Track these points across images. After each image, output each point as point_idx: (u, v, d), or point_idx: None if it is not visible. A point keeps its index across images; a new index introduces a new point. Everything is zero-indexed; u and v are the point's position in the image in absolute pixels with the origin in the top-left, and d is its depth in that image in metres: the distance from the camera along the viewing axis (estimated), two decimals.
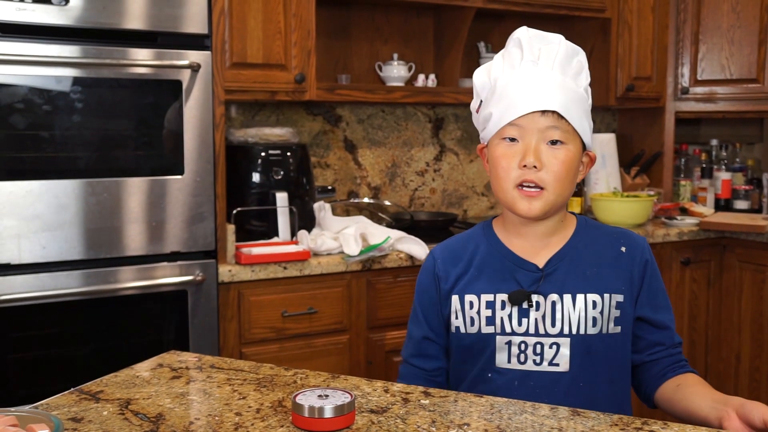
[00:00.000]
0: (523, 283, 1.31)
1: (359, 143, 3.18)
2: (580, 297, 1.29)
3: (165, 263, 2.27)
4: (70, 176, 2.15)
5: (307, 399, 1.06)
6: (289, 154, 2.63)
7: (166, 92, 2.26)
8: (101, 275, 2.19)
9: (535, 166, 1.25)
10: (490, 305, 1.32)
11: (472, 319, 1.34)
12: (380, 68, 3.09)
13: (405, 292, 2.58)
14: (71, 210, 2.15)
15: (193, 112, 2.30)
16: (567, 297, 1.29)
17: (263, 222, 2.57)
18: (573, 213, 1.42)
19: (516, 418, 1.09)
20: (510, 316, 1.30)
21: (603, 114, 3.76)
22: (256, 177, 2.58)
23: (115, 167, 2.22)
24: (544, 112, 1.26)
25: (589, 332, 1.29)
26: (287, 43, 2.56)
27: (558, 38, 1.31)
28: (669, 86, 3.41)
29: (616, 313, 1.30)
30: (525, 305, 1.30)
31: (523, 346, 1.30)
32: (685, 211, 3.35)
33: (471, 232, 1.44)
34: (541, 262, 1.33)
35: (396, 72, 3.05)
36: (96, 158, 2.20)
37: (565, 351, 1.29)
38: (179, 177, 2.29)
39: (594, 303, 1.29)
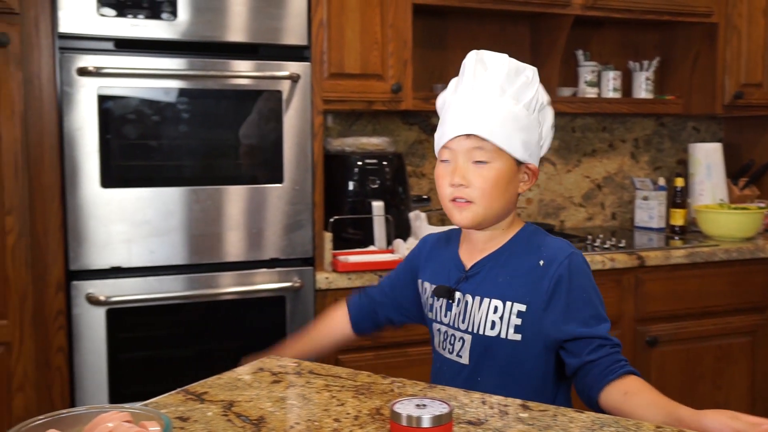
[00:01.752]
0: (451, 280, 1.46)
1: None
2: (486, 300, 1.40)
3: (264, 269, 2.33)
4: (177, 184, 2.24)
5: (405, 408, 1.06)
6: (385, 163, 2.65)
7: (267, 102, 2.32)
8: (204, 280, 2.26)
9: (462, 185, 1.39)
10: (432, 295, 1.49)
11: (425, 303, 1.53)
12: None
13: None
14: (177, 216, 2.24)
15: (293, 121, 2.35)
16: (477, 298, 1.42)
17: (359, 230, 2.59)
18: (529, 223, 1.48)
19: None
20: (441, 307, 1.47)
21: (708, 123, 3.61)
22: (352, 186, 2.61)
23: (218, 175, 2.30)
24: (468, 135, 1.37)
25: (487, 334, 1.39)
26: (384, 53, 2.58)
27: (499, 61, 1.41)
28: None
29: (516, 321, 1.37)
30: (449, 300, 1.45)
31: (445, 335, 1.46)
32: None
33: (455, 231, 1.58)
34: (471, 264, 1.46)
35: None
36: (200, 167, 2.28)
37: (468, 346, 1.42)
38: (279, 185, 2.34)
39: (495, 308, 1.39)
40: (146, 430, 0.91)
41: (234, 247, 2.31)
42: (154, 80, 2.20)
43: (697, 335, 2.83)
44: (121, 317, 2.18)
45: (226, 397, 1.21)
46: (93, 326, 2.15)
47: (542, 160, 3.30)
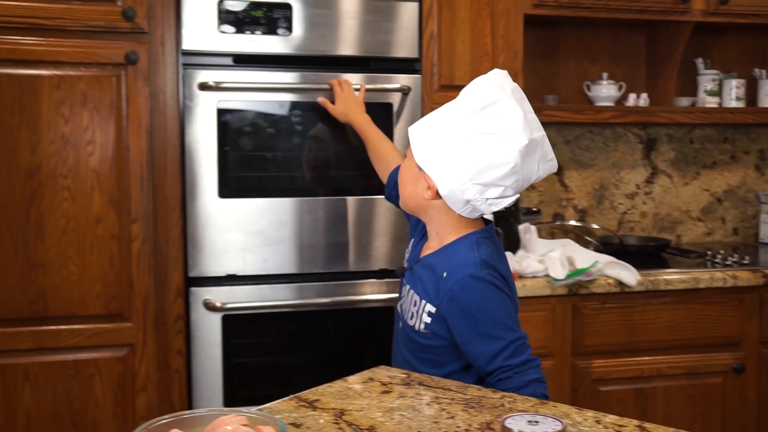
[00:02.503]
0: (409, 264, 1.61)
1: (566, 165, 3.11)
2: (411, 292, 1.55)
3: (373, 280, 2.35)
4: (290, 194, 2.30)
5: (517, 423, 1.04)
6: None
7: (378, 115, 2.35)
8: (314, 289, 2.31)
9: None
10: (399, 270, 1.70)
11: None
12: (588, 88, 3.01)
13: (613, 319, 2.47)
14: (289, 226, 2.29)
15: (403, 133, 2.37)
16: (407, 287, 1.58)
17: None
18: (482, 230, 1.51)
19: None
20: (401, 281, 1.64)
21: None
22: None
23: (329, 186, 2.34)
24: None
25: (408, 321, 1.55)
26: (494, 64, 2.56)
27: (477, 90, 1.43)
28: None
29: (426, 319, 1.49)
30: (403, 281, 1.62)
31: (400, 302, 1.62)
32: None
33: None
34: (422, 257, 1.59)
35: (605, 91, 2.95)
36: (312, 178, 2.33)
37: (400, 324, 1.60)
38: None
39: (415, 302, 1.52)
40: None
41: (344, 257, 2.34)
42: (269, 94, 2.27)
43: None
44: (235, 323, 2.25)
45: (337, 405, 1.23)
46: (209, 331, 2.23)
47: (658, 172, 3.20)
